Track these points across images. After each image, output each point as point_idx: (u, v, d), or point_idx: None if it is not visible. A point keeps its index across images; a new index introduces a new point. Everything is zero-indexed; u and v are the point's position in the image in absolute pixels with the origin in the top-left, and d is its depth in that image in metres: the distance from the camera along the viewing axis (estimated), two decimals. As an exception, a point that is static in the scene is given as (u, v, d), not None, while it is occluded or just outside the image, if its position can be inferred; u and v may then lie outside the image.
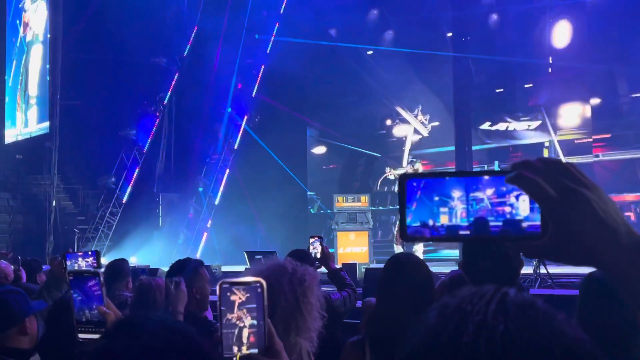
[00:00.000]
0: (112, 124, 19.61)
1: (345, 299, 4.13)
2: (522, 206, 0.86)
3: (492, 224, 0.86)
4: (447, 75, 16.61)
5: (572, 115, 15.81)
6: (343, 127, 18.99)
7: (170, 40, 19.57)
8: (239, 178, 18.84)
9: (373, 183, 18.09)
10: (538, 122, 16.09)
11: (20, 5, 21.78)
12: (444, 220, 0.87)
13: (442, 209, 0.87)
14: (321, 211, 19.02)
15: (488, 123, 16.74)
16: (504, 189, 0.86)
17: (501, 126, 16.62)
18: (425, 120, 18.23)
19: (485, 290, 0.63)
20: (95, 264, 3.58)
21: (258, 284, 1.26)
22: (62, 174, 20.02)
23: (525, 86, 16.58)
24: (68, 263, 3.51)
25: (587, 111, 15.53)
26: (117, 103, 19.40)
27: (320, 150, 20.05)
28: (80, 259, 3.57)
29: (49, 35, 20.06)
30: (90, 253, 3.63)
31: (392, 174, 18.44)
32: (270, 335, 1.25)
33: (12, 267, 5.56)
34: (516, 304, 0.60)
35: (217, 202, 19.38)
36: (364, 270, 9.99)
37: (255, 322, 1.24)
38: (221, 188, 19.50)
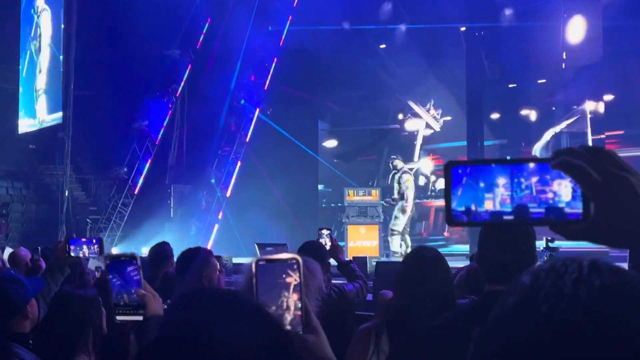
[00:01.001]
0: (125, 115, 19.67)
1: (358, 290, 4.15)
2: (564, 193, 0.89)
3: (535, 210, 0.90)
4: (459, 70, 16.54)
5: (585, 111, 15.74)
6: (355, 120, 19.01)
7: (183, 32, 19.59)
8: (250, 170, 18.88)
9: (385, 175, 18.07)
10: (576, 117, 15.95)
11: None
12: (488, 206, 0.90)
13: (487, 195, 0.90)
14: (332, 204, 19.05)
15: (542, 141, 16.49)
16: (548, 176, 0.89)
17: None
18: (438, 114, 18.21)
19: (575, 257, 0.66)
20: (98, 252, 3.61)
21: (294, 261, 1.27)
22: (74, 164, 20.12)
23: (539, 81, 16.51)
24: (72, 248, 3.53)
25: (600, 107, 15.44)
26: (130, 94, 19.46)
27: (331, 143, 20.06)
28: (84, 246, 3.59)
29: (62, 26, 20.14)
30: (94, 240, 3.64)
31: (403, 168, 18.47)
32: (307, 312, 1.26)
33: (32, 255, 5.64)
34: (608, 266, 0.63)
35: (228, 194, 19.43)
36: (374, 263, 9.98)
37: (299, 304, 1.25)
38: (232, 180, 19.55)
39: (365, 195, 14.33)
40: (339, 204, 16.96)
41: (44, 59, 21.21)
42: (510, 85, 17.05)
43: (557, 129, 16.16)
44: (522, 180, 0.90)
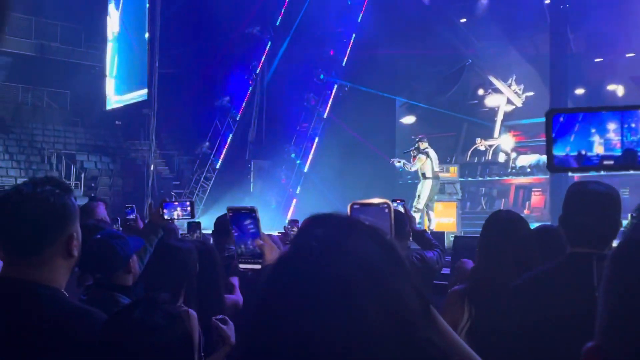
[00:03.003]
0: (207, 92, 20.14)
1: (437, 258, 4.20)
2: None
3: None
4: (543, 44, 16.07)
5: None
6: (433, 96, 18.82)
7: (263, 9, 19.81)
8: (327, 146, 19.00)
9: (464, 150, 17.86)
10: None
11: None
12: (598, 150, 0.97)
13: (598, 140, 0.96)
14: (409, 181, 18.97)
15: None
16: None
17: None
18: (519, 90, 17.80)
19: None
20: (189, 214, 3.81)
21: (385, 205, 1.39)
22: (158, 140, 20.78)
23: (627, 55, 15.86)
24: (165, 211, 3.73)
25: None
26: (212, 71, 19.89)
27: (409, 119, 19.93)
28: (178, 208, 3.79)
29: (147, 5, 20.71)
30: (187, 203, 3.84)
31: (482, 144, 18.19)
32: None
33: (114, 226, 5.96)
34: None
35: (306, 169, 19.67)
36: (452, 239, 9.93)
37: None
38: (310, 156, 19.76)
39: (443, 172, 14.22)
40: (417, 181, 16.88)
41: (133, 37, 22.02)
42: (597, 60, 16.46)
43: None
44: (633, 125, 0.94)
